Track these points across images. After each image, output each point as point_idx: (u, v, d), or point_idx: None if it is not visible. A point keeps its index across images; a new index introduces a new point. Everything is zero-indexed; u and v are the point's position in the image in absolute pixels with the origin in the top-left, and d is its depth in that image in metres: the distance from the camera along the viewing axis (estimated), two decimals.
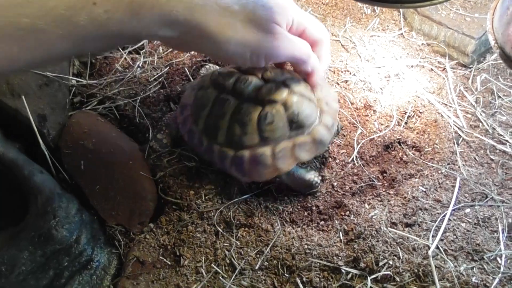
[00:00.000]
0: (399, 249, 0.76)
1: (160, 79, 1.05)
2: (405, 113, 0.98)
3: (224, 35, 0.63)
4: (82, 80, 1.06)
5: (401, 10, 1.16)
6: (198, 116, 0.85)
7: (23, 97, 0.91)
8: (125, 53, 1.11)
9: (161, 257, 0.82)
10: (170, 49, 1.11)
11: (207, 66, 1.03)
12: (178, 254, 0.82)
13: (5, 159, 0.83)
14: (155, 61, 1.09)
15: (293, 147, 0.81)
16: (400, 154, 0.92)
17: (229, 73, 0.84)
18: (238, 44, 0.65)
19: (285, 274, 0.78)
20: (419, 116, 0.97)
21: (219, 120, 0.82)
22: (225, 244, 0.82)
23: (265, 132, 0.79)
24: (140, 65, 1.08)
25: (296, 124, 0.80)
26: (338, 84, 1.02)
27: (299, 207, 0.87)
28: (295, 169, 0.85)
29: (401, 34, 1.13)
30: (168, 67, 1.07)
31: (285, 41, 0.70)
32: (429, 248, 0.76)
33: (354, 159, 0.91)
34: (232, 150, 0.82)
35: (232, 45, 0.64)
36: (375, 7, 1.18)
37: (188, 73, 1.05)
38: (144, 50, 1.11)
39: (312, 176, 0.86)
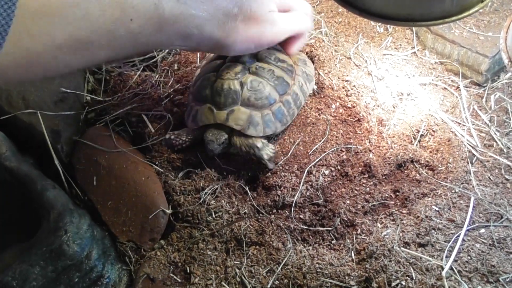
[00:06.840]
0: (412, 269, 0.75)
1: (171, 96, 1.05)
2: (418, 131, 0.97)
3: (230, 39, 0.75)
4: (96, 97, 1.07)
5: (414, 28, 1.16)
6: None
7: (38, 112, 0.92)
8: (139, 69, 1.12)
9: (171, 275, 0.82)
10: (182, 68, 1.11)
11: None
12: (188, 271, 0.81)
13: (19, 174, 0.84)
14: (169, 79, 1.09)
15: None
16: (413, 173, 0.91)
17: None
18: (243, 43, 0.78)
19: None
20: (432, 135, 0.97)
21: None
22: (235, 262, 0.81)
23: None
24: (153, 82, 1.09)
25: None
26: (347, 101, 1.02)
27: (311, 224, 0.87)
28: None
29: (414, 52, 1.13)
30: (178, 84, 1.07)
31: (281, 24, 0.82)
32: (442, 268, 0.75)
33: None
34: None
35: (238, 44, 0.77)
36: (388, 26, 1.19)
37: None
38: (158, 68, 1.12)
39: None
